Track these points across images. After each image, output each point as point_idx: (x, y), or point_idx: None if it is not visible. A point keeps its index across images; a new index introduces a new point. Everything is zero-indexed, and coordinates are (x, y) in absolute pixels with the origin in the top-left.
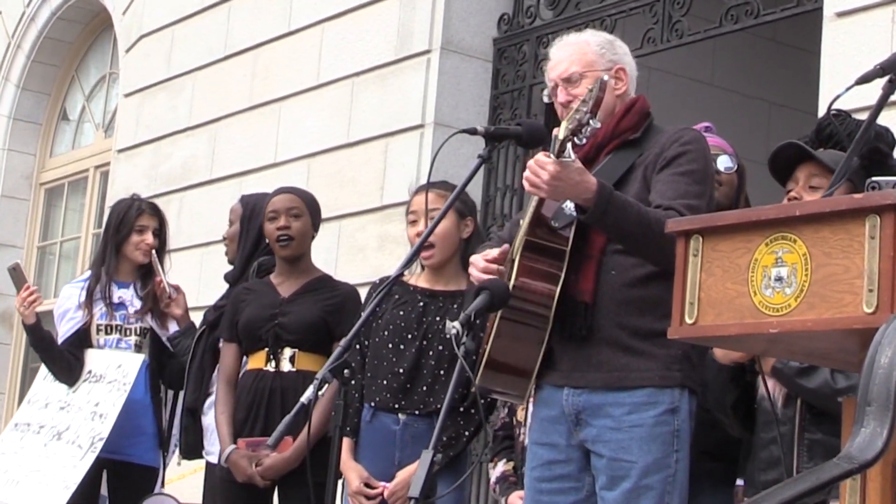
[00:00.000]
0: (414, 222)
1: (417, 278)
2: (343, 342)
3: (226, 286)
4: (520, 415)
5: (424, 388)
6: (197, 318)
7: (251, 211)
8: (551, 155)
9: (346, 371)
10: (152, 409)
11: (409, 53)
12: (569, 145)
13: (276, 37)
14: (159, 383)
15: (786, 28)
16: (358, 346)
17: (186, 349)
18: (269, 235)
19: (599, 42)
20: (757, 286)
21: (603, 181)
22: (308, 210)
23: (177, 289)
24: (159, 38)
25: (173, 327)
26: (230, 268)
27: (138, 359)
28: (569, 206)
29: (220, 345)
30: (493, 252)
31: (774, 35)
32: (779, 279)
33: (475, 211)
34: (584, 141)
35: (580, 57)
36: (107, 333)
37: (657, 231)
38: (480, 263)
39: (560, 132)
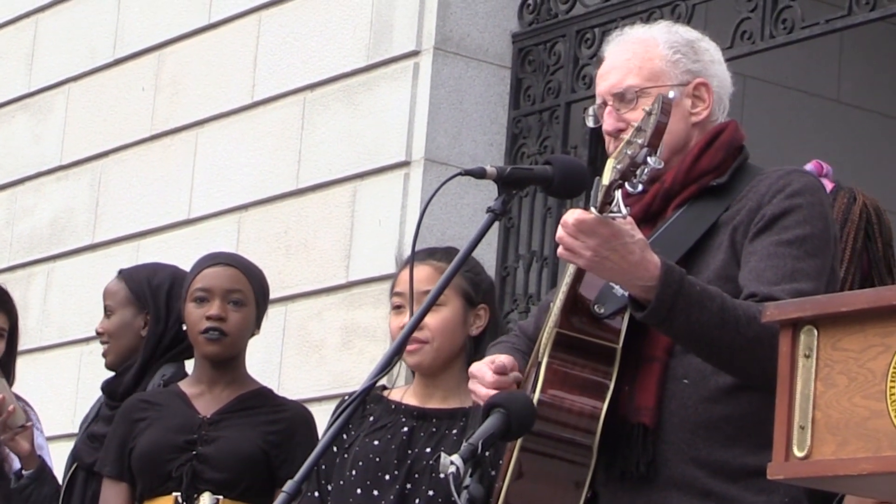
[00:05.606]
0: (399, 308)
1: (404, 393)
2: (289, 486)
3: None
4: None
5: None
6: (64, 452)
7: (154, 291)
8: (593, 209)
9: None
10: None
11: (389, 56)
12: (618, 194)
13: (190, 31)
14: None
15: None
16: (317, 494)
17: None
18: (191, 323)
19: (675, 42)
20: None
21: (670, 263)
22: (255, 297)
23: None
24: (16, 33)
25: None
26: (109, 374)
27: None
28: None
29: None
30: (502, 358)
31: None
32: None
33: (492, 295)
34: (641, 188)
35: (642, 63)
36: None
37: (749, 336)
38: (488, 377)
39: (605, 175)
